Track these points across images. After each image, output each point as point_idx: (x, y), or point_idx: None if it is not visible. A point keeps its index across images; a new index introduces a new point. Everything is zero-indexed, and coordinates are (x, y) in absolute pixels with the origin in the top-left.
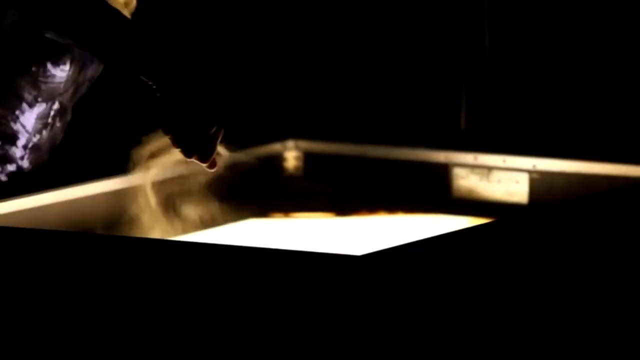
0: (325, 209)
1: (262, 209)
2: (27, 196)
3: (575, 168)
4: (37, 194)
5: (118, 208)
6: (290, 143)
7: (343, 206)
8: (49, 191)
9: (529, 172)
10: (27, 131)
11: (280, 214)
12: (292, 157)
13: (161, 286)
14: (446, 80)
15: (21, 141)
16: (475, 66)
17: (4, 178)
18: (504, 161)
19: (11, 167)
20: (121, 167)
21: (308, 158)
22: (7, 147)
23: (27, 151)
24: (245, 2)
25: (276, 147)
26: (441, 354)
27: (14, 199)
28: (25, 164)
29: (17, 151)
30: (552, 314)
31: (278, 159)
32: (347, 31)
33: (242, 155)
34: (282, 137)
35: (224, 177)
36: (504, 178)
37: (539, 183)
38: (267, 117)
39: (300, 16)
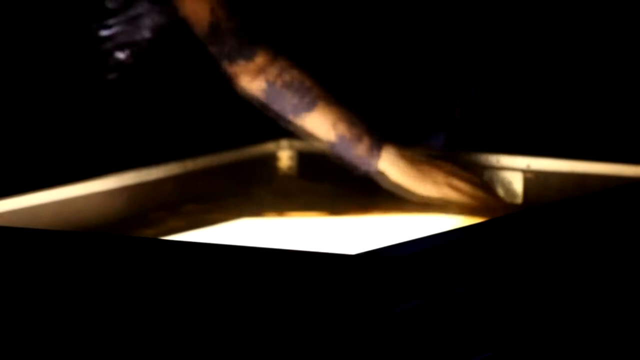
0: (319, 209)
1: (256, 209)
2: (20, 195)
3: (569, 168)
4: (30, 193)
5: (111, 207)
6: (284, 142)
7: (337, 205)
8: (42, 190)
9: (523, 171)
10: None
11: (274, 214)
12: (285, 156)
13: (154, 285)
14: (440, 80)
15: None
16: (470, 66)
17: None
18: (498, 161)
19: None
20: (115, 166)
21: (301, 157)
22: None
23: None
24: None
25: (270, 146)
26: (436, 353)
27: (8, 198)
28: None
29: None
30: (546, 312)
31: (272, 158)
32: (342, 31)
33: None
34: (276, 136)
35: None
36: (498, 178)
37: (533, 182)
38: (260, 117)
39: (295, 16)
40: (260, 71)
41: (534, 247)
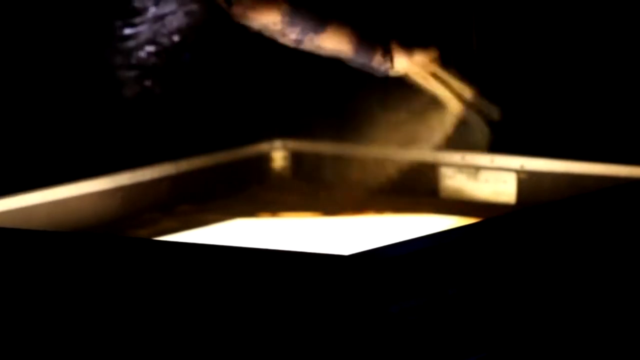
0: (312, 209)
1: (250, 209)
2: (13, 196)
3: (563, 168)
4: (24, 193)
5: (105, 208)
6: (277, 143)
7: (330, 205)
8: (36, 191)
9: (517, 171)
10: None
11: (268, 214)
12: (279, 157)
13: (148, 286)
14: None
15: None
16: (463, 66)
17: None
18: (492, 161)
19: None
20: (109, 167)
21: (295, 158)
22: None
23: None
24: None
25: (263, 146)
26: (431, 353)
27: (1, 199)
28: None
29: None
30: (541, 313)
31: (265, 158)
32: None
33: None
34: (269, 136)
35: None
36: (491, 178)
37: (527, 183)
38: (254, 117)
39: None
40: (270, 6)
41: (528, 248)
